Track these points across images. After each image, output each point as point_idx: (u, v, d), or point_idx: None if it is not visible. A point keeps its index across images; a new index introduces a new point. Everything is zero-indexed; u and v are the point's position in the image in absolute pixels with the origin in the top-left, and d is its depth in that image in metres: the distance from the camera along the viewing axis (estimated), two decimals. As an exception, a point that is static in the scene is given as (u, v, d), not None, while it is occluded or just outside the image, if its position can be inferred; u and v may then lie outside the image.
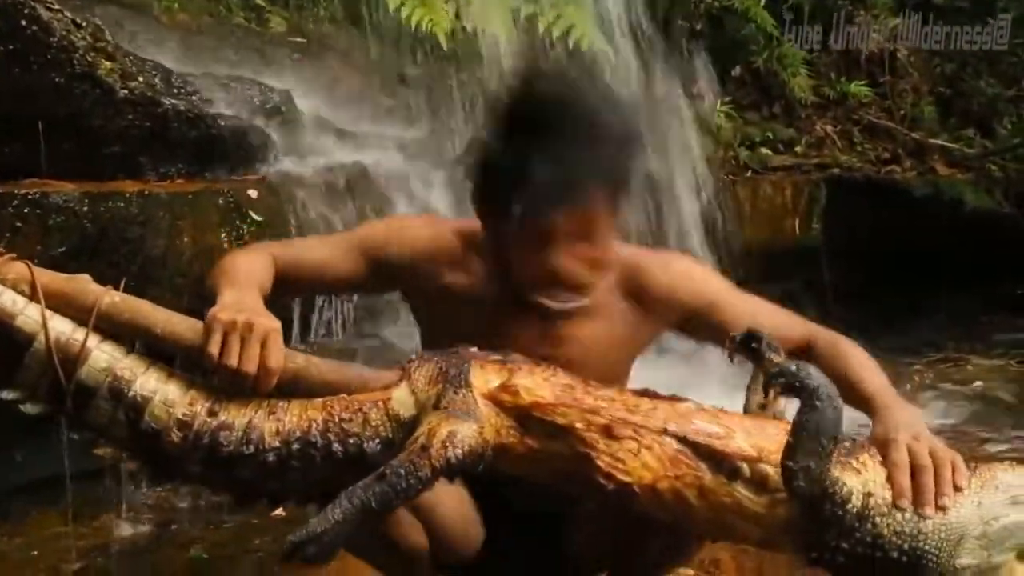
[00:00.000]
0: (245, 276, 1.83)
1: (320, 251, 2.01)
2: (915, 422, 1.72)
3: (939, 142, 6.50)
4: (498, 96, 1.94)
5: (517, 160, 1.77)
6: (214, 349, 1.61)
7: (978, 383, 5.18)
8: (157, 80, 3.71)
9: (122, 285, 1.73)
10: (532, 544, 2.11)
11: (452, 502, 2.03)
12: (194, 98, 3.82)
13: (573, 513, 2.05)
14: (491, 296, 1.96)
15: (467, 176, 1.93)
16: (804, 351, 1.89)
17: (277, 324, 1.65)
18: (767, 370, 1.66)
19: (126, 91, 3.57)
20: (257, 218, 3.67)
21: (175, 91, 3.76)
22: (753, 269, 5.05)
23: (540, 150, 1.75)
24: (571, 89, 1.87)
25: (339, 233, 2.13)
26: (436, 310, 2.03)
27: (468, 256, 1.98)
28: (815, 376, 1.54)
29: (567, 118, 1.79)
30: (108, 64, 3.54)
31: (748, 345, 1.83)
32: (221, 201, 3.63)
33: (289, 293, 2.05)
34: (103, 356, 1.65)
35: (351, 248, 2.00)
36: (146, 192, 3.47)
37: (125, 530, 3.30)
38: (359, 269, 2.00)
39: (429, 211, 4.00)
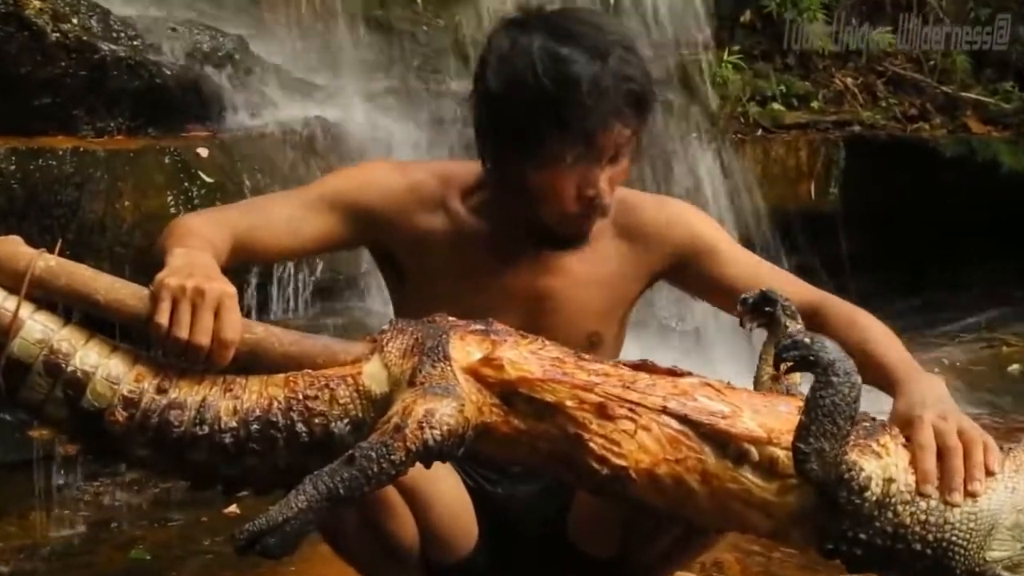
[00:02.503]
0: (198, 238, 1.83)
1: (285, 209, 2.02)
2: (942, 398, 1.73)
3: (973, 96, 6.50)
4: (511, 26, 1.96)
5: (555, 80, 1.84)
6: (162, 319, 1.61)
7: (1015, 365, 5.23)
8: (94, 22, 3.70)
9: (58, 248, 1.73)
10: (532, 542, 2.14)
11: (451, 495, 2.06)
12: (136, 43, 3.82)
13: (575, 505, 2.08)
14: (478, 235, 2.03)
15: (479, 112, 1.97)
16: (812, 319, 1.91)
17: (232, 289, 1.66)
18: (779, 340, 1.67)
19: (58, 34, 3.56)
20: (207, 179, 3.67)
21: (114, 35, 3.75)
22: (763, 239, 5.08)
23: (580, 69, 1.83)
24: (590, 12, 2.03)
25: (297, 189, 2.13)
26: (413, 261, 2.06)
27: (447, 197, 2.05)
28: (831, 349, 1.54)
29: (600, 33, 1.89)
30: (37, 3, 3.53)
31: (761, 309, 1.85)
32: (167, 160, 3.64)
33: (254, 261, 2.06)
34: (37, 327, 1.65)
35: (319, 201, 2.02)
36: (81, 149, 3.48)
37: (58, 529, 3.31)
38: (333, 223, 2.02)
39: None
